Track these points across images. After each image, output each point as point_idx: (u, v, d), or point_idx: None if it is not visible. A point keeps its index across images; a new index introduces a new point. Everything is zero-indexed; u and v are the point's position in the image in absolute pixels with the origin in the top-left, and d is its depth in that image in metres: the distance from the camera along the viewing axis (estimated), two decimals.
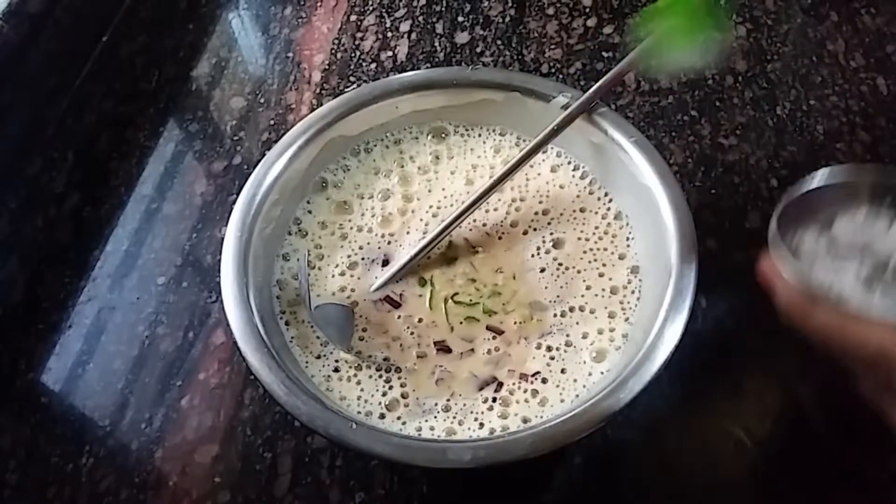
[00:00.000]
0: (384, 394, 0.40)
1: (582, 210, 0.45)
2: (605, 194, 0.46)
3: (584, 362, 0.40)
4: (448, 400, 0.40)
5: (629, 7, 0.64)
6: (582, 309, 0.42)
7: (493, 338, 0.41)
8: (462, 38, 0.63)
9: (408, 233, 0.45)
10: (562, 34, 0.63)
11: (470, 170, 0.47)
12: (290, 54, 0.63)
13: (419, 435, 0.38)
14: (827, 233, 0.33)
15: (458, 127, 0.49)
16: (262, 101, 0.60)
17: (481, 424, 0.39)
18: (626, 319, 0.41)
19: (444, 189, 0.47)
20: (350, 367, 0.41)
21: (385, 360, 0.41)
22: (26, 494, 0.44)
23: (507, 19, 0.64)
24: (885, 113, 0.57)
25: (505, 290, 0.43)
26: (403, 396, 0.40)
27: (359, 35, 0.64)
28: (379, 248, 0.45)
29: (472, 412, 0.39)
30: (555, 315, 0.42)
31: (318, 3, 0.67)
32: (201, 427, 0.45)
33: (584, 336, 0.41)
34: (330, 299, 0.43)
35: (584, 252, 0.44)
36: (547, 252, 0.44)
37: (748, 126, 0.56)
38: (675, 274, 0.39)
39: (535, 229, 0.45)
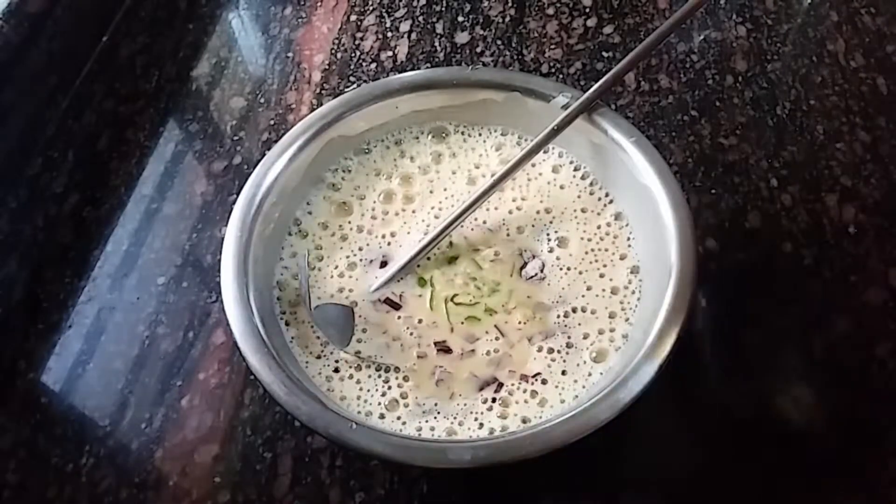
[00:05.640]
0: (384, 394, 0.40)
1: (583, 210, 0.45)
2: (606, 194, 0.46)
3: (584, 363, 0.40)
4: (448, 400, 0.40)
5: (629, 7, 0.64)
6: (584, 310, 0.42)
7: (495, 339, 0.41)
8: (462, 38, 0.63)
9: (408, 233, 0.45)
10: (562, 34, 0.63)
11: (472, 169, 0.47)
12: (290, 54, 0.63)
13: (419, 435, 0.39)
14: None
15: (458, 127, 0.49)
16: (262, 101, 0.60)
17: (481, 425, 0.39)
18: (627, 320, 0.41)
19: (445, 189, 0.47)
20: (350, 367, 0.41)
21: (385, 360, 0.41)
22: (26, 494, 0.44)
23: (507, 19, 0.64)
24: (885, 113, 0.57)
25: (506, 290, 0.43)
26: (403, 396, 0.40)
27: (359, 35, 0.64)
28: (379, 248, 0.45)
29: (472, 412, 0.39)
30: (557, 316, 0.42)
31: (318, 3, 0.67)
32: (201, 427, 0.45)
33: (585, 336, 0.41)
34: (330, 300, 0.43)
35: (586, 252, 0.44)
36: (550, 251, 0.44)
37: (748, 126, 0.56)
38: (675, 274, 0.38)
39: (536, 229, 0.45)
